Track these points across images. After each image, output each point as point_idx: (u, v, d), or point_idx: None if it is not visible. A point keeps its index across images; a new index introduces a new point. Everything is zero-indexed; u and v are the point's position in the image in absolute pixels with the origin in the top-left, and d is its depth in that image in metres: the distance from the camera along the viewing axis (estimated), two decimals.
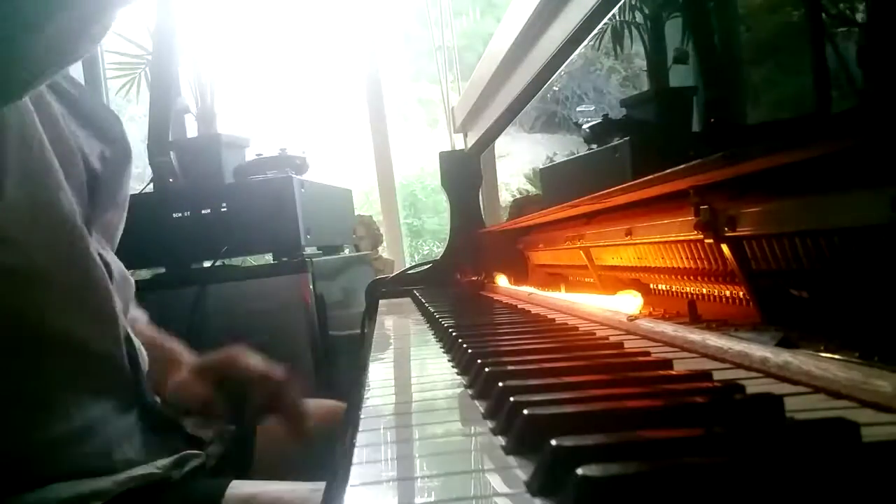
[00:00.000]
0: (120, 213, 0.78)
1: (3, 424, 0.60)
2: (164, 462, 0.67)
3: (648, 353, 0.49)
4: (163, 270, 1.56)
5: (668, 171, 0.53)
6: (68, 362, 0.64)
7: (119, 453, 0.65)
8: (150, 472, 0.65)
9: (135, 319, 0.87)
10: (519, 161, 1.30)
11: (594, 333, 0.61)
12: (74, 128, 0.71)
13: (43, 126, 0.64)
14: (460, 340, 0.57)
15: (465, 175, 1.51)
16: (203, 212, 1.47)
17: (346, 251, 1.89)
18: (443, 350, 0.63)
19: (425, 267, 1.48)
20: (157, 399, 0.76)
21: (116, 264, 0.75)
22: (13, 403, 0.61)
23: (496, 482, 0.29)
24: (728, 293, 0.61)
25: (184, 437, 0.74)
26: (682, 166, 0.51)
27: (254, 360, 0.83)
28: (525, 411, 0.31)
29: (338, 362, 1.48)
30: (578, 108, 0.91)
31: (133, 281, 0.80)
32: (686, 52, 0.61)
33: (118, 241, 0.80)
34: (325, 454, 0.39)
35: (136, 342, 0.72)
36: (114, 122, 0.78)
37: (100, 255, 0.68)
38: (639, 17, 0.71)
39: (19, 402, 0.61)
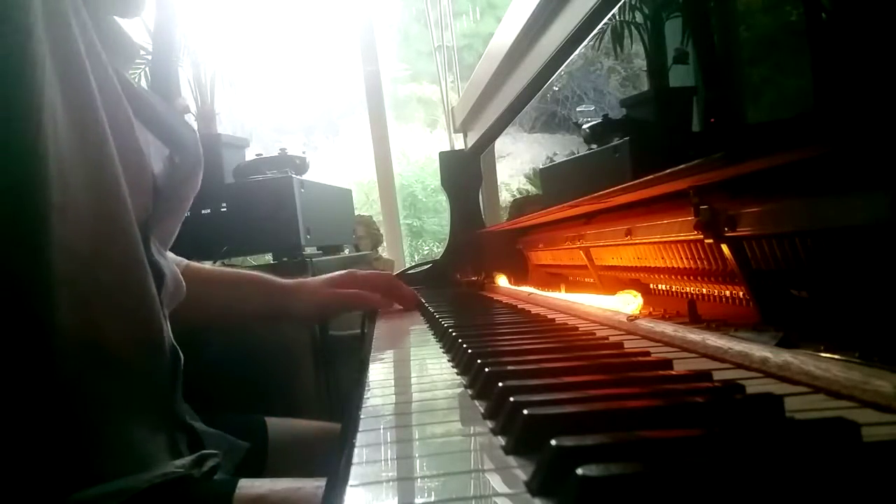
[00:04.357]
0: (179, 220, 0.78)
1: (45, 439, 0.59)
2: (183, 461, 0.67)
3: (648, 353, 0.49)
4: None
5: (668, 171, 0.53)
6: (112, 379, 0.62)
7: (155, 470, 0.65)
8: (171, 470, 0.64)
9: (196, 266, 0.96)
10: (519, 161, 1.30)
11: (594, 333, 0.61)
12: (142, 128, 0.69)
13: (111, 126, 0.62)
14: (460, 340, 0.57)
15: (465, 175, 1.51)
16: (203, 212, 1.47)
17: (346, 251, 1.89)
18: (443, 350, 0.63)
19: (425, 267, 1.48)
20: (190, 419, 0.75)
21: (171, 270, 0.74)
22: (58, 421, 0.59)
23: (496, 482, 0.29)
24: (728, 293, 0.61)
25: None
26: (682, 166, 0.51)
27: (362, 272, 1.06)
28: (525, 411, 0.31)
29: (338, 362, 1.48)
30: (578, 108, 0.91)
31: (184, 286, 0.79)
32: (686, 52, 0.61)
33: (171, 243, 0.79)
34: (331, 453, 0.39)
35: (180, 353, 0.71)
36: (187, 131, 0.77)
37: (153, 262, 0.67)
38: (639, 17, 0.71)
39: (65, 420, 0.59)
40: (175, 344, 0.71)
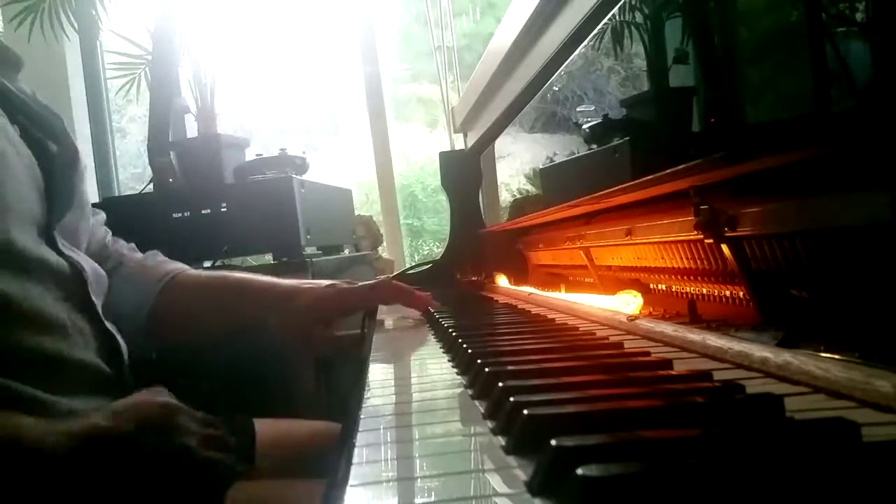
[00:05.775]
0: (79, 215, 0.77)
1: None
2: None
3: (648, 353, 0.49)
4: None
5: (668, 171, 0.53)
6: (70, 383, 0.64)
7: None
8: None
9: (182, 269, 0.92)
10: (519, 161, 1.30)
11: (594, 333, 0.61)
12: (24, 121, 0.70)
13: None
14: (460, 340, 0.57)
15: (465, 175, 1.51)
16: (203, 212, 1.47)
17: (346, 251, 1.89)
18: (443, 350, 0.63)
19: (425, 267, 1.48)
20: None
21: (90, 264, 0.74)
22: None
23: (496, 482, 0.29)
24: (728, 293, 0.61)
25: None
26: (682, 166, 0.51)
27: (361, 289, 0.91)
28: (525, 411, 0.31)
29: (338, 362, 1.48)
30: (578, 108, 0.91)
31: (106, 279, 0.79)
32: (686, 52, 0.61)
33: (84, 245, 0.79)
34: (326, 453, 0.39)
35: (120, 340, 0.72)
36: (55, 120, 0.76)
37: (66, 257, 0.68)
38: (639, 17, 0.71)
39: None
40: (113, 332, 0.72)
